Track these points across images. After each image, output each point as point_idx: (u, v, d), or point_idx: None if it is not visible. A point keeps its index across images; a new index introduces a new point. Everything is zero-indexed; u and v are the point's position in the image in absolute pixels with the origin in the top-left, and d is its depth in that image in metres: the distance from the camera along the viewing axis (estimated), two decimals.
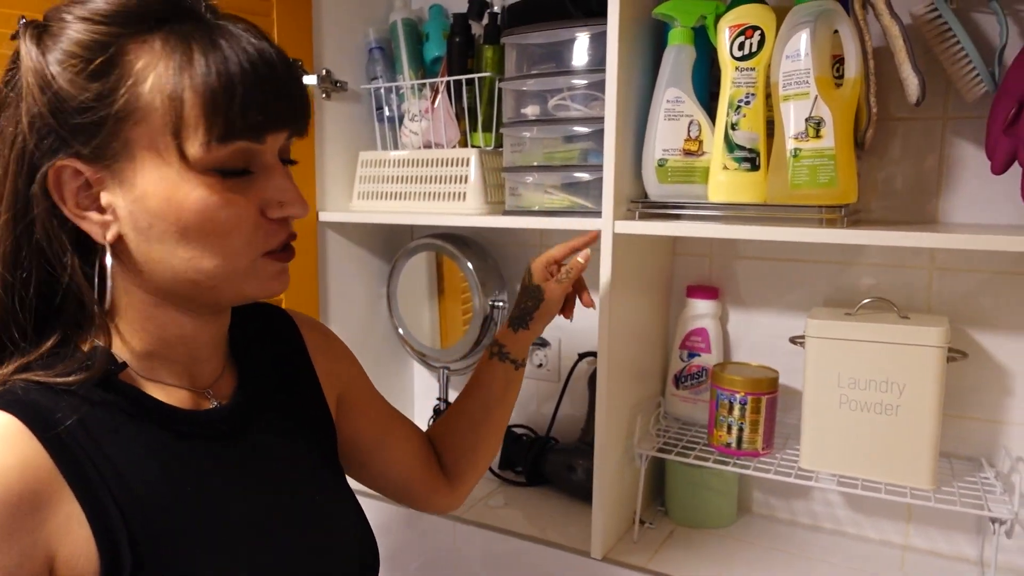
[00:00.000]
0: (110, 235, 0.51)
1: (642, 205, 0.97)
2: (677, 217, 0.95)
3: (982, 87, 0.89)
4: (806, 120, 0.84)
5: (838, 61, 0.88)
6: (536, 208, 1.06)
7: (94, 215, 0.51)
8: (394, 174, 1.22)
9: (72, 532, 0.48)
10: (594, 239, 0.86)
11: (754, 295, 1.14)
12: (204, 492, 0.55)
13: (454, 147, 1.18)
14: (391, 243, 1.40)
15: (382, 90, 1.25)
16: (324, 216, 1.22)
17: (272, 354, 0.68)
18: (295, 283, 1.13)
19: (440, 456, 0.85)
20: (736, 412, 1.00)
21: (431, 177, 1.17)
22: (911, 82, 0.85)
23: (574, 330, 1.29)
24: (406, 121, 1.22)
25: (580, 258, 0.83)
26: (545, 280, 0.83)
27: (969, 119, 0.97)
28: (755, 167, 0.90)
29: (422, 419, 1.46)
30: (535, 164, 1.06)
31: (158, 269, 0.52)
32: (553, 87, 1.03)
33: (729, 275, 1.15)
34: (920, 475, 0.89)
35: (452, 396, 1.40)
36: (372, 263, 1.37)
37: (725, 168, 0.91)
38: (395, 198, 1.21)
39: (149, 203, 0.50)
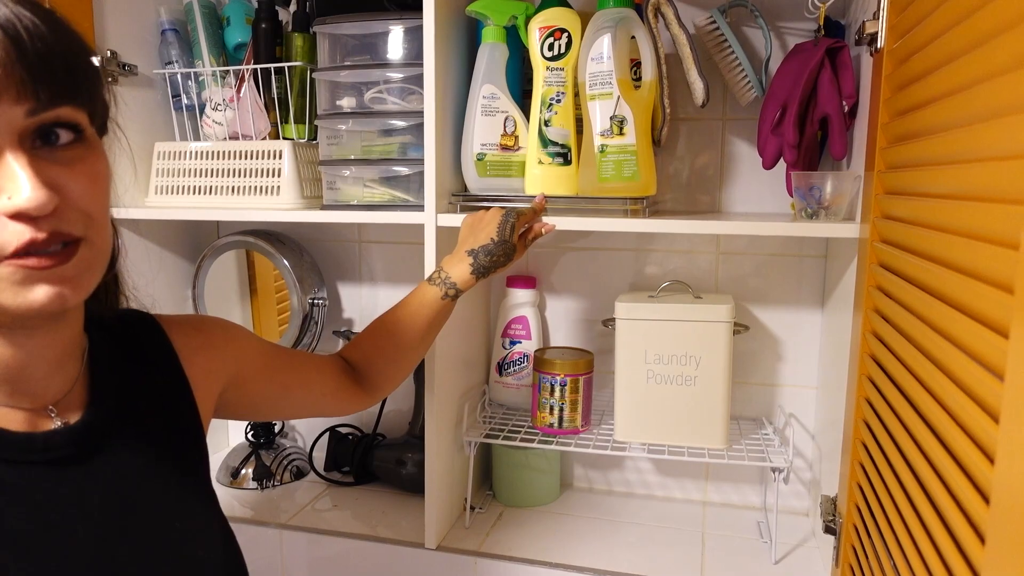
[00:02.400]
0: None
1: (463, 198, 0.99)
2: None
3: (753, 92, 1.01)
4: (611, 118, 0.91)
5: (636, 65, 0.96)
6: (355, 202, 1.04)
7: None
8: (197, 167, 1.13)
9: None
10: (542, 204, 0.93)
11: (568, 283, 1.21)
12: (41, 524, 0.49)
13: (264, 139, 1.13)
14: (195, 241, 1.30)
15: (179, 76, 1.15)
16: (114, 212, 1.10)
17: (136, 366, 0.61)
18: None
19: (359, 369, 0.85)
20: (557, 393, 1.06)
21: (240, 171, 1.11)
22: (697, 86, 0.95)
23: None
24: (208, 111, 1.14)
25: (549, 224, 0.92)
26: (517, 240, 0.88)
27: (743, 120, 1.10)
28: (567, 162, 0.95)
29: (239, 433, 1.38)
30: (352, 158, 1.04)
31: None
32: (369, 79, 1.01)
33: (545, 264, 1.21)
34: (715, 437, 1.01)
35: None
36: (174, 263, 1.26)
37: (540, 162, 0.95)
38: (199, 192, 1.13)
39: None
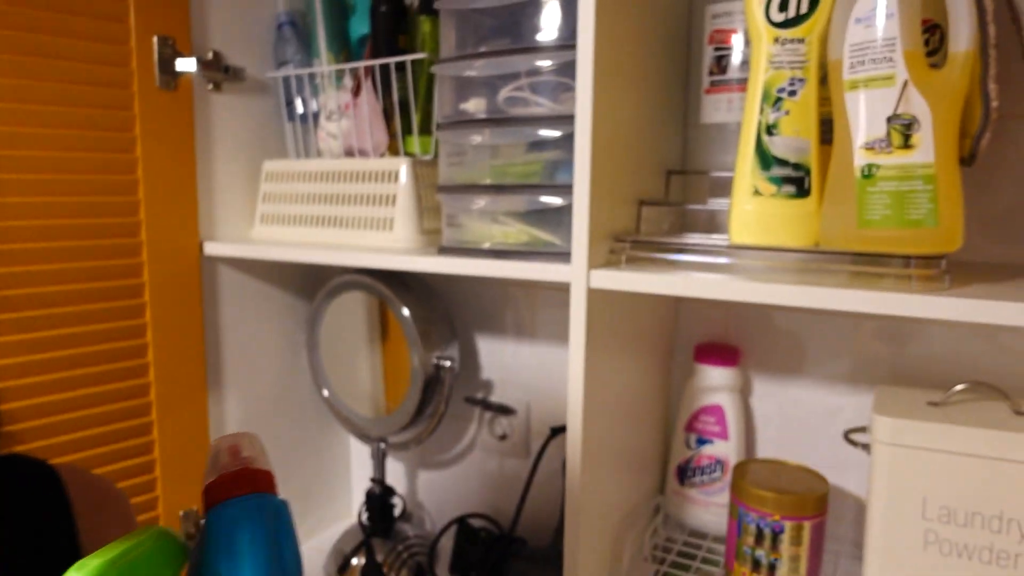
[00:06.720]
0: None
1: (631, 244, 0.66)
2: (682, 264, 0.65)
3: None
4: (888, 120, 0.53)
5: (931, 28, 0.57)
6: (487, 245, 0.75)
7: None
8: (304, 191, 0.91)
9: None
10: None
11: (788, 360, 0.83)
12: None
13: (383, 155, 0.88)
14: (313, 277, 1.09)
15: (292, 79, 0.94)
16: (212, 248, 0.91)
17: None
18: (168, 338, 0.83)
19: None
20: (767, 542, 0.69)
21: (351, 196, 0.87)
22: None
23: (546, 395, 0.99)
24: (322, 120, 0.92)
25: None
26: None
27: None
28: (803, 192, 0.59)
29: (358, 504, 1.15)
30: (487, 183, 0.75)
31: None
32: (508, 71, 0.72)
33: (754, 333, 0.84)
34: None
35: (391, 479, 1.08)
36: (287, 303, 1.06)
37: (757, 193, 0.60)
38: (308, 223, 0.91)
39: None
